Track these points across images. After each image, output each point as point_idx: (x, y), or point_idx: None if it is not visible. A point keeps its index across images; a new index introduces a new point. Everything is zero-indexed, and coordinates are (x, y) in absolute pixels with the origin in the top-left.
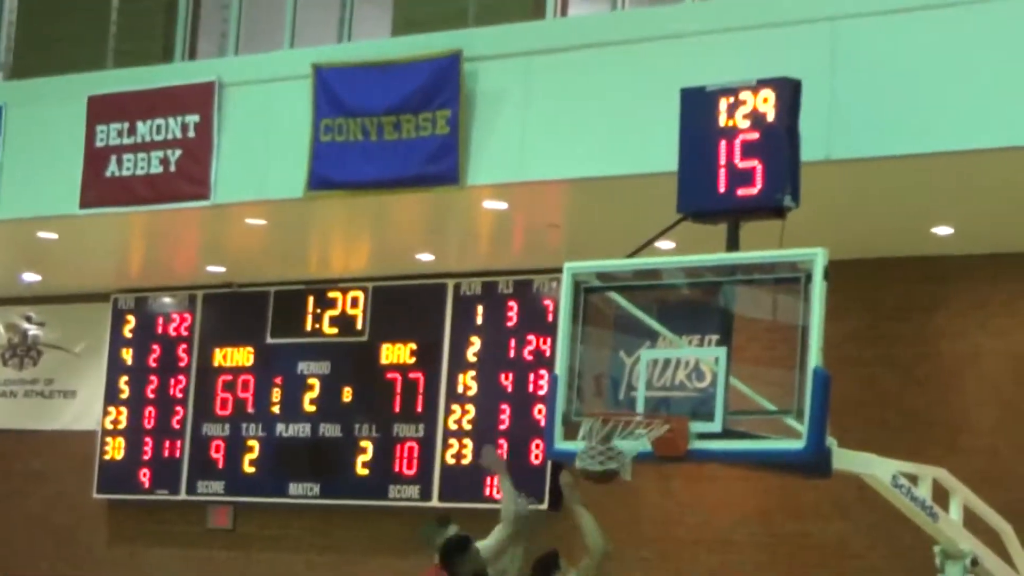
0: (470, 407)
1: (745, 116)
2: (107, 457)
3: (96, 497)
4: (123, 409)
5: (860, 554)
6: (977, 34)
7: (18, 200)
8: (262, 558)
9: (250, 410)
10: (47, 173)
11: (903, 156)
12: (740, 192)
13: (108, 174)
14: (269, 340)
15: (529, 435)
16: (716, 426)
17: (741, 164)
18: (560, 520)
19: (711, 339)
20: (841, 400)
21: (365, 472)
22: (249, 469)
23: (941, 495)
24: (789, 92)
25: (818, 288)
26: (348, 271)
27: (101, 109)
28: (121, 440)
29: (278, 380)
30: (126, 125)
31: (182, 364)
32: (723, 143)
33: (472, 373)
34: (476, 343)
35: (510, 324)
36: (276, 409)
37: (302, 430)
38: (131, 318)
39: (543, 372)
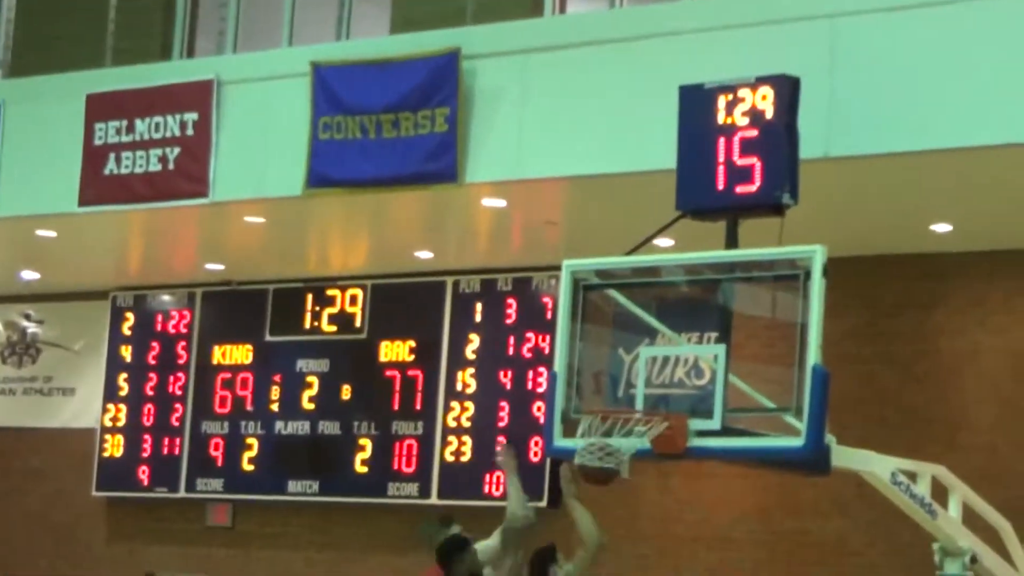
0: (469, 404)
1: (744, 113)
2: (106, 455)
3: (95, 495)
4: (122, 407)
5: (859, 551)
6: (976, 31)
7: (17, 198)
8: (261, 556)
9: (249, 408)
10: (46, 171)
11: (902, 153)
12: (739, 189)
13: (107, 172)
14: (268, 338)
15: (528, 432)
16: (715, 423)
17: (740, 161)
18: (559, 518)
19: (710, 336)
20: (840, 397)
21: (364, 470)
22: (248, 467)
23: (940, 492)
24: (788, 89)
25: (817, 285)
26: (347, 269)
27: (100, 107)
28: (120, 438)
29: (277, 378)
30: (125, 123)
31: (181, 362)
32: (722, 140)
33: (471, 371)
34: (475, 340)
35: (509, 321)
36: (275, 407)
37: (301, 428)
38: (130, 316)
39: (542, 369)
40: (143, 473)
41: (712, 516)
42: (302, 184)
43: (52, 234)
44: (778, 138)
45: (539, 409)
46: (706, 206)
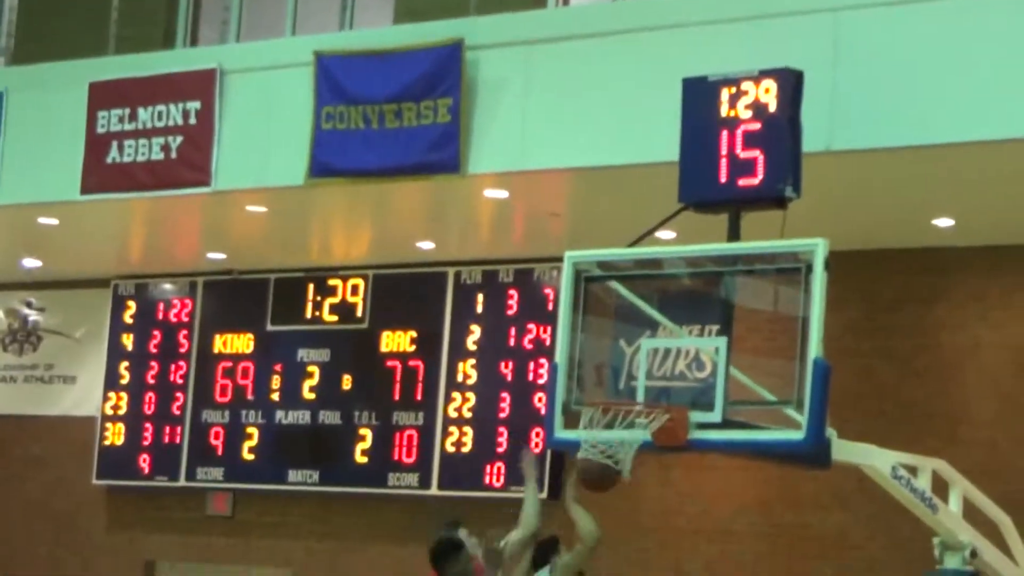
0: (470, 395)
1: (747, 106)
2: (107, 443)
3: (95, 483)
4: (123, 395)
5: (859, 545)
6: (978, 26)
7: (19, 186)
8: (261, 545)
9: (250, 397)
10: (48, 159)
11: (904, 148)
12: (741, 182)
13: (109, 160)
14: (269, 327)
15: (529, 424)
16: (716, 416)
17: (743, 154)
18: (559, 510)
19: (711, 329)
20: (840, 391)
21: (364, 460)
22: (248, 456)
23: (940, 487)
24: (791, 83)
25: (819, 279)
26: (349, 259)
27: (102, 95)
28: (121, 426)
29: (278, 367)
30: (127, 111)
31: (182, 350)
32: (725, 133)
33: (472, 361)
34: (476, 331)
35: (510, 313)
36: (276, 396)
37: (302, 417)
38: (131, 304)
39: (543, 361)
40: (144, 461)
41: (713, 509)
42: (304, 174)
43: (54, 222)
44: (781, 131)
45: (540, 400)
46: (708, 199)
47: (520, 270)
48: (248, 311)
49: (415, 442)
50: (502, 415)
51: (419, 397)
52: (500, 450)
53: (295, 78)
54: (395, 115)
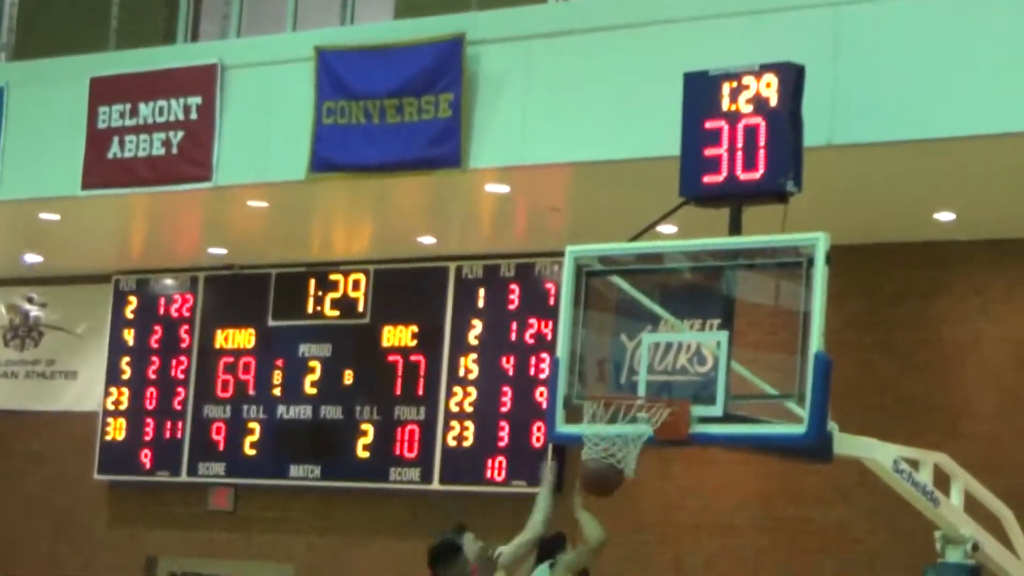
0: (471, 390)
1: (748, 101)
2: (108, 438)
3: (97, 478)
4: (124, 390)
5: (861, 539)
6: (979, 20)
7: (20, 181)
8: (263, 540)
9: (251, 392)
10: (49, 154)
11: (905, 142)
12: (743, 176)
13: (110, 155)
14: (271, 322)
15: (530, 418)
16: (717, 410)
17: (744, 149)
18: (561, 504)
19: (713, 323)
20: (841, 385)
21: (366, 455)
22: (250, 451)
23: (942, 480)
24: (792, 77)
25: (820, 273)
26: (350, 254)
27: (103, 90)
28: (122, 421)
29: (279, 362)
30: (128, 107)
31: (183, 345)
32: (726, 127)
33: (473, 356)
34: (478, 326)
35: (512, 307)
36: (277, 391)
37: (303, 412)
38: (133, 299)
39: (544, 355)
40: (145, 457)
41: (714, 503)
42: (305, 169)
43: (55, 217)
44: (782, 125)
45: (541, 395)
46: (709, 193)
47: (521, 265)
48: (249, 306)
49: (416, 437)
50: (503, 409)
51: (420, 392)
52: (501, 444)
53: (296, 73)
54: (396, 110)
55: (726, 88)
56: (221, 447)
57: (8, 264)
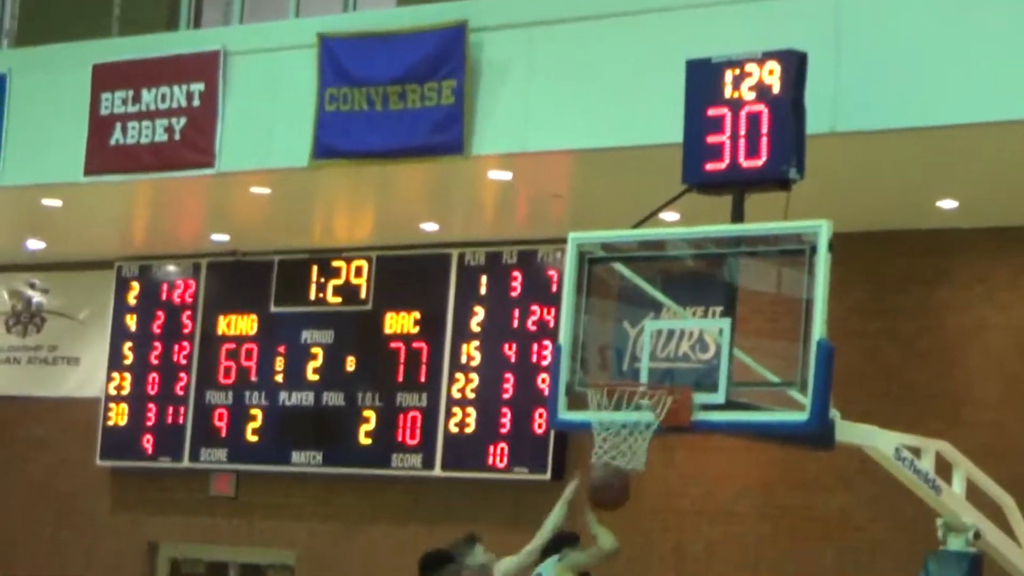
0: (474, 376)
1: (751, 88)
2: (110, 424)
3: (99, 464)
4: (127, 375)
5: (862, 526)
6: (983, 7)
7: (23, 167)
8: (264, 526)
9: (253, 378)
10: (52, 141)
11: (908, 129)
12: (745, 164)
13: (113, 142)
14: (273, 309)
15: (532, 405)
16: (720, 397)
17: (746, 136)
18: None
19: (715, 311)
20: (844, 373)
21: (368, 441)
22: (252, 437)
23: (944, 468)
24: (795, 64)
25: (822, 260)
26: (352, 240)
27: (106, 77)
28: (124, 407)
29: (281, 349)
30: (131, 93)
31: (186, 331)
32: (728, 115)
33: (476, 343)
34: (480, 313)
35: (514, 294)
36: (279, 378)
37: (305, 399)
38: (135, 285)
39: (547, 342)
40: (147, 442)
41: (716, 490)
42: (308, 155)
43: (58, 203)
44: (785, 113)
45: (544, 382)
46: (712, 180)
47: (524, 252)
48: (252, 292)
49: (419, 423)
50: (506, 396)
51: (423, 378)
52: (503, 431)
53: (299, 60)
54: (399, 97)
55: (728, 75)
56: (223, 433)
57: (11, 250)
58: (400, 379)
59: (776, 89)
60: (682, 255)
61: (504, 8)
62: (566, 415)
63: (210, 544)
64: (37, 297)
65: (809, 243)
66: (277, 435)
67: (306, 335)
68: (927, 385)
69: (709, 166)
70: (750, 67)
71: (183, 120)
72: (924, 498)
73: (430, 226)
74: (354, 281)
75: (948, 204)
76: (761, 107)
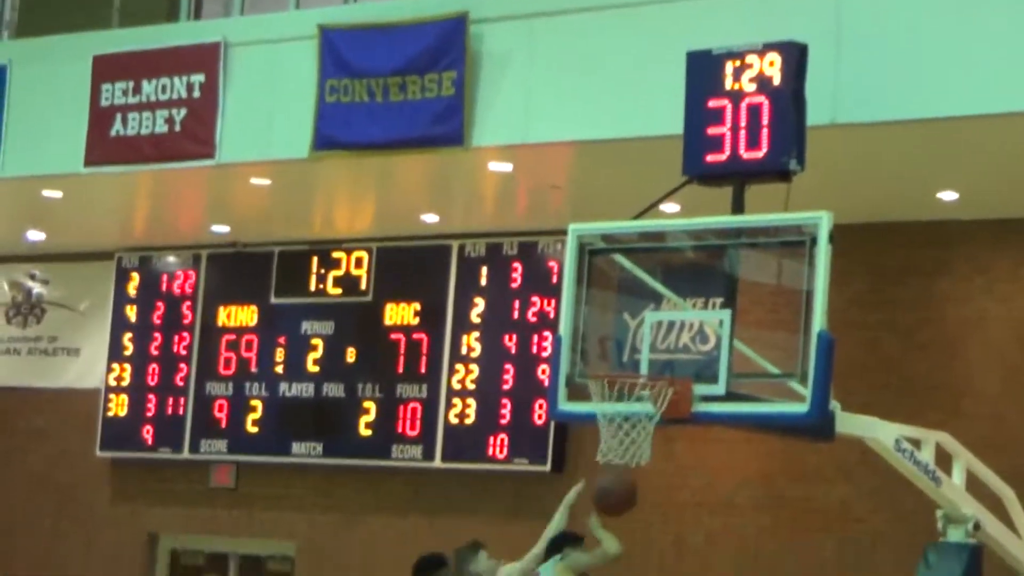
0: (474, 368)
1: (751, 79)
2: (110, 415)
3: (99, 455)
4: (127, 366)
5: (862, 518)
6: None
7: (23, 158)
8: (264, 517)
9: (253, 369)
10: (52, 132)
11: (909, 121)
12: (746, 155)
13: (113, 133)
14: (273, 300)
15: (532, 396)
16: (720, 388)
17: (747, 127)
18: (563, 482)
19: (715, 302)
20: (844, 364)
21: (368, 432)
22: (252, 428)
23: (944, 460)
24: (795, 56)
25: (823, 252)
26: (352, 232)
27: (106, 68)
28: (124, 397)
29: (282, 340)
30: (131, 84)
31: (186, 322)
32: (729, 106)
33: (476, 334)
34: (480, 304)
35: (514, 285)
36: (280, 369)
37: (305, 390)
38: (135, 276)
39: (547, 334)
40: (147, 433)
41: (716, 481)
42: (308, 146)
43: (58, 194)
44: (785, 104)
45: (544, 373)
46: (712, 171)
47: (524, 243)
48: (252, 284)
49: (419, 414)
50: (506, 387)
51: (423, 370)
52: (503, 422)
53: (299, 51)
54: (399, 88)
55: (729, 67)
56: (223, 424)
57: (11, 241)
58: (400, 370)
59: (777, 81)
60: (682, 246)
61: (504, 0)
62: (566, 406)
63: (210, 535)
64: (37, 288)
65: (809, 234)
66: (277, 426)
67: (306, 326)
68: (927, 377)
69: (710, 157)
70: (751, 59)
71: (183, 111)
72: (924, 489)
73: (430, 217)
74: (354, 272)
75: (948, 196)
76: (762, 99)
